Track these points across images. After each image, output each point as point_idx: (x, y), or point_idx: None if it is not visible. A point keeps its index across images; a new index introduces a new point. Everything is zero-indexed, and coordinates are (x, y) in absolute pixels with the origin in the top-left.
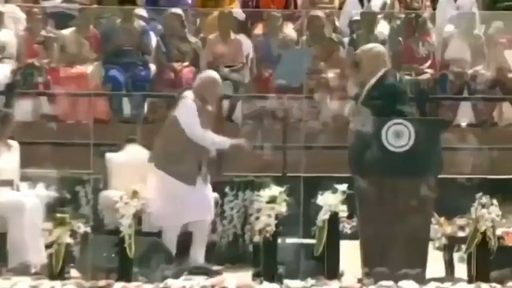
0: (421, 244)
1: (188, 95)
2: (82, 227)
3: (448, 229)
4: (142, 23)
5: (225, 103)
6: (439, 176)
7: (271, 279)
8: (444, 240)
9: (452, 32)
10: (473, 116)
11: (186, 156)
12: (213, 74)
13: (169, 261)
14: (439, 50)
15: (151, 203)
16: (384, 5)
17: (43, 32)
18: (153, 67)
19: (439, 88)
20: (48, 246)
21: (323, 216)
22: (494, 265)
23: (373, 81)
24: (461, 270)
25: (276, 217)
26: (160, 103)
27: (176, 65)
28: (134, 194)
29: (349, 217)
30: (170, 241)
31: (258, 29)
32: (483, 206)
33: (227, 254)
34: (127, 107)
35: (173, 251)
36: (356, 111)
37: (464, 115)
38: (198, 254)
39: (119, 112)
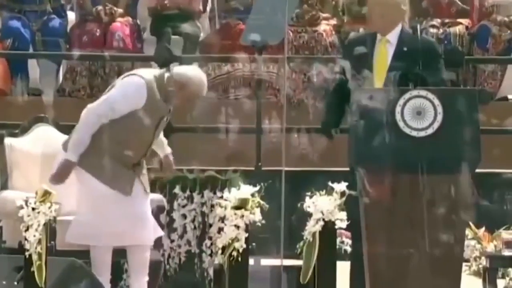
0: (452, 268)
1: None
2: None
3: (490, 246)
4: None
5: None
6: (477, 170)
7: None
8: (484, 262)
9: None
10: None
11: (115, 151)
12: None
13: None
14: None
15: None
16: None
17: None
18: (71, 16)
19: (477, 46)
20: None
21: (314, 227)
22: None
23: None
24: None
25: (247, 228)
26: (81, 68)
27: (104, 13)
28: (46, 195)
29: (350, 228)
30: (102, 264)
31: None
32: None
33: (177, 280)
34: (34, 73)
35: (106, 278)
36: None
37: None
38: (139, 284)
39: (23, 79)
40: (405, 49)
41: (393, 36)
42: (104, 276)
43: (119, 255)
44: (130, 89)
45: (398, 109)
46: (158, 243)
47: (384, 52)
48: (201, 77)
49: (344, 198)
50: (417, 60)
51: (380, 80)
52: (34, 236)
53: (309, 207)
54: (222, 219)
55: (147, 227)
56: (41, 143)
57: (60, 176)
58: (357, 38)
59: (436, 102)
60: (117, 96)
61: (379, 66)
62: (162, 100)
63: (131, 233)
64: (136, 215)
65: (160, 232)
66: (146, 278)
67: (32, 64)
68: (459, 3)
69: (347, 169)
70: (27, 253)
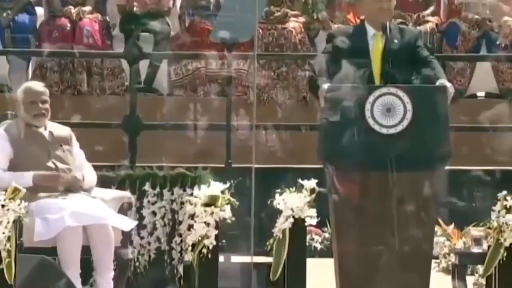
0: (421, 264)
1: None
2: None
3: (459, 243)
4: None
5: (143, 65)
6: (446, 167)
7: None
8: (453, 259)
9: None
10: (495, 83)
11: None
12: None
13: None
14: None
15: None
16: None
17: None
18: (40, 12)
19: (446, 43)
20: None
21: (283, 224)
22: None
23: None
24: None
25: (217, 225)
26: (51, 64)
27: (74, 10)
28: (15, 192)
29: (320, 225)
30: (69, 260)
31: None
32: (509, 210)
33: (147, 277)
34: (3, 69)
35: (75, 273)
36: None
37: (482, 82)
38: (104, 281)
39: None
40: (395, 40)
41: (386, 29)
42: (71, 270)
43: (88, 253)
44: None
45: (367, 106)
46: (127, 240)
47: (380, 46)
48: (29, 85)
49: (314, 196)
50: (406, 47)
51: (378, 73)
52: (4, 233)
53: (279, 204)
54: (192, 216)
55: (100, 209)
56: None
57: None
58: (349, 32)
59: (406, 99)
60: None
61: (376, 60)
62: (37, 132)
63: (85, 212)
64: (84, 201)
65: (130, 225)
66: (112, 273)
67: (1, 60)
68: None
69: (317, 166)
70: None
